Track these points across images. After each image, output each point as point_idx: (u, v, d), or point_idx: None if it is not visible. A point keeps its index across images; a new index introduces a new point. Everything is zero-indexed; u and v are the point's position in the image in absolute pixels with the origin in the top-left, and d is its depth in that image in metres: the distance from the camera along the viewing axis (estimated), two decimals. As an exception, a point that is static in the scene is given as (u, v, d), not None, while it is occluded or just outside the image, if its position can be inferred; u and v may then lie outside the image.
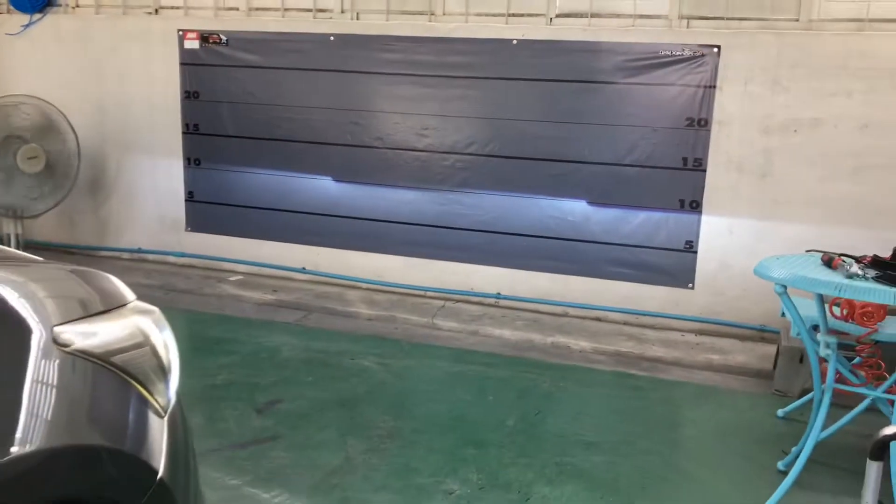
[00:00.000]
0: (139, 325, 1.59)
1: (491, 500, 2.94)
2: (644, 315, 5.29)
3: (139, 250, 6.41)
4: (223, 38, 5.87)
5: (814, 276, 2.75)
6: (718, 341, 5.03)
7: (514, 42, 5.25)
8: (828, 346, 3.01)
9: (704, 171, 5.02)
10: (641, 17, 5.12)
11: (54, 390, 1.31)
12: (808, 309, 3.45)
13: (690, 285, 5.18)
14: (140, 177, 6.33)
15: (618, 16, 5.19)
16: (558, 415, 3.82)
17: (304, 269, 5.99)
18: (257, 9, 5.92)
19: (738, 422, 3.94)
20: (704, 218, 5.07)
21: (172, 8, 6.12)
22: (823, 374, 3.16)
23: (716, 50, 4.89)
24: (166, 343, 1.65)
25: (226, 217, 6.13)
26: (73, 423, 1.32)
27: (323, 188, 5.85)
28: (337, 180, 5.81)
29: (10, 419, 1.21)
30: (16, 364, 1.28)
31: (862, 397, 3.43)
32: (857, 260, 2.85)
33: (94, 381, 1.40)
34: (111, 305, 1.59)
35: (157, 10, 6.15)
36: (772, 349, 4.77)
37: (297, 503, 2.86)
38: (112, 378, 1.44)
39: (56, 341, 1.35)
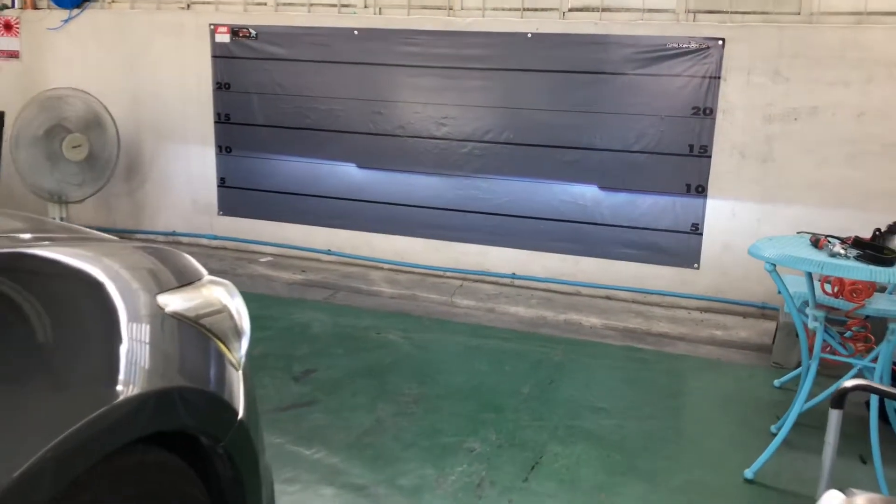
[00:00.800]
0: (217, 294, 1.92)
1: (508, 457, 3.27)
2: (652, 294, 5.59)
3: (174, 233, 6.76)
4: (252, 31, 6.18)
5: (800, 255, 3.05)
6: (722, 318, 5.33)
7: (529, 35, 5.54)
8: (816, 319, 3.31)
9: (709, 157, 5.30)
10: (650, 11, 5.39)
11: (162, 344, 1.63)
12: (801, 286, 3.75)
13: (696, 265, 5.47)
14: (174, 164, 6.68)
15: (627, 10, 5.46)
16: (570, 383, 4.15)
17: (329, 250, 6.33)
18: (285, 4, 6.23)
19: (737, 391, 4.25)
20: (709, 202, 5.35)
21: (204, 3, 6.44)
22: (812, 346, 3.46)
23: (720, 42, 5.16)
24: (239, 310, 1.98)
25: (256, 201, 6.47)
26: (177, 369, 1.64)
27: (347, 174, 6.18)
28: (360, 167, 6.13)
29: (131, 367, 1.53)
30: (131, 323, 1.60)
31: (851, 367, 3.72)
32: (842, 241, 3.14)
33: (188, 337, 1.73)
34: (192, 279, 1.92)
35: (189, 6, 6.47)
36: (772, 325, 5.06)
37: (334, 459, 3.20)
38: (200, 336, 1.77)
39: (159, 306, 1.68)
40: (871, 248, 2.93)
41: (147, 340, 1.61)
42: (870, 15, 4.97)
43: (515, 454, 3.31)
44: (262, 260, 6.28)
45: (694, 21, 5.32)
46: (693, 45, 5.21)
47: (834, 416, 1.97)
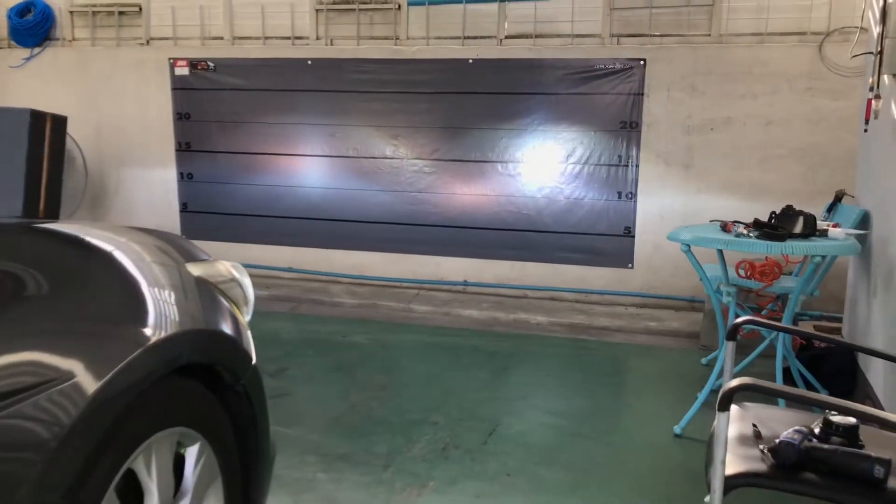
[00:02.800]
0: (229, 269, 2.32)
1: (468, 427, 3.69)
2: (592, 293, 6.10)
3: (138, 258, 7.04)
4: (211, 64, 6.58)
5: (711, 235, 3.56)
6: (656, 312, 5.86)
7: (470, 61, 6.06)
8: (728, 294, 3.82)
9: (637, 166, 5.86)
10: (578, 36, 5.96)
11: (195, 297, 2.03)
12: (718, 271, 4.28)
13: (630, 265, 6.00)
14: (137, 192, 6.99)
15: (558, 35, 6.02)
16: (522, 369, 4.60)
17: (290, 268, 6.70)
18: (241, 38, 6.65)
19: (670, 369, 4.75)
20: (639, 207, 5.90)
21: (163, 39, 6.82)
22: (726, 319, 3.97)
23: (642, 62, 5.74)
24: (246, 283, 2.38)
25: (218, 225, 6.82)
26: (208, 317, 2.04)
27: (305, 195, 6.58)
28: (317, 187, 6.54)
29: (178, 312, 1.92)
30: (174, 282, 1.99)
31: (763, 340, 4.25)
32: (745, 224, 3.67)
33: (211, 297, 2.12)
34: (203, 257, 2.32)
35: (148, 41, 6.84)
36: (700, 316, 5.59)
37: (314, 436, 3.57)
38: (219, 297, 2.17)
39: (188, 271, 2.08)
40: (768, 227, 3.46)
41: (186, 294, 2.01)
42: (770, 35, 5.61)
43: (475, 425, 3.73)
44: (226, 278, 6.60)
45: (618, 44, 5.90)
46: (618, 66, 5.78)
47: (729, 346, 2.45)
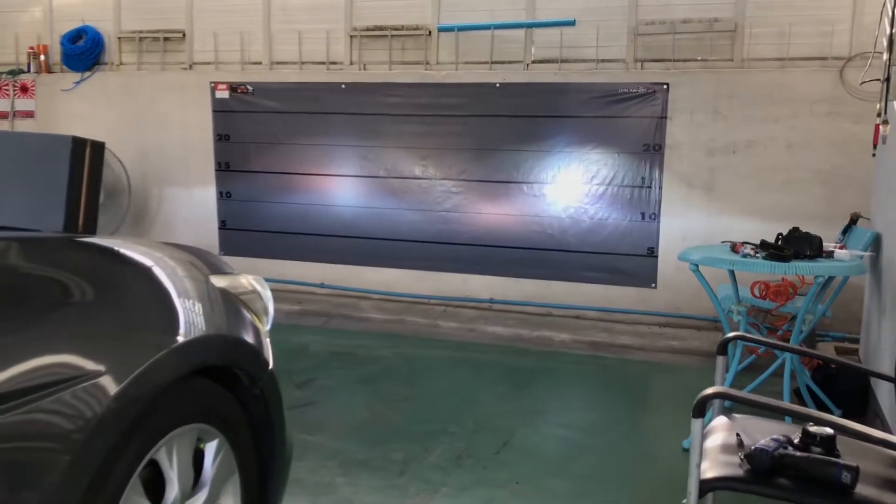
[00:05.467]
0: (251, 281, 2.52)
1: (483, 438, 3.84)
2: (616, 312, 6.20)
3: (178, 273, 7.33)
4: (250, 88, 6.87)
5: (719, 256, 3.68)
6: (679, 331, 5.94)
7: (497, 85, 6.25)
8: (738, 313, 3.93)
9: (660, 187, 5.97)
10: (603, 61, 6.12)
11: (217, 306, 2.23)
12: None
13: (653, 285, 6.10)
14: (178, 210, 7.29)
15: (583, 60, 6.18)
16: (540, 383, 4.74)
17: (322, 284, 6.92)
18: (278, 63, 6.93)
19: (685, 386, 4.81)
20: (662, 227, 6.01)
21: (205, 63, 7.14)
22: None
23: (665, 87, 5.87)
24: (267, 295, 2.58)
25: (254, 242, 7.08)
26: (228, 324, 2.23)
27: (338, 213, 6.81)
28: (350, 206, 6.76)
29: (201, 318, 2.11)
30: (199, 292, 2.19)
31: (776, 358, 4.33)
32: (753, 245, 3.78)
33: (233, 306, 2.32)
34: (229, 270, 2.52)
35: (191, 66, 7.17)
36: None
37: (335, 442, 3.75)
38: (241, 307, 2.36)
39: (212, 282, 2.28)
40: (774, 248, 3.57)
41: (210, 303, 2.21)
42: (791, 60, 5.71)
43: (489, 436, 3.87)
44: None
45: (642, 69, 6.04)
46: (641, 90, 5.92)
47: (720, 360, 2.58)
